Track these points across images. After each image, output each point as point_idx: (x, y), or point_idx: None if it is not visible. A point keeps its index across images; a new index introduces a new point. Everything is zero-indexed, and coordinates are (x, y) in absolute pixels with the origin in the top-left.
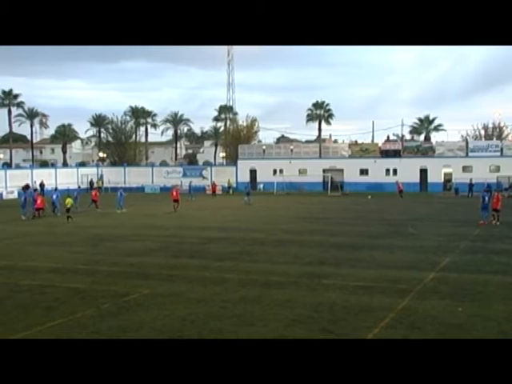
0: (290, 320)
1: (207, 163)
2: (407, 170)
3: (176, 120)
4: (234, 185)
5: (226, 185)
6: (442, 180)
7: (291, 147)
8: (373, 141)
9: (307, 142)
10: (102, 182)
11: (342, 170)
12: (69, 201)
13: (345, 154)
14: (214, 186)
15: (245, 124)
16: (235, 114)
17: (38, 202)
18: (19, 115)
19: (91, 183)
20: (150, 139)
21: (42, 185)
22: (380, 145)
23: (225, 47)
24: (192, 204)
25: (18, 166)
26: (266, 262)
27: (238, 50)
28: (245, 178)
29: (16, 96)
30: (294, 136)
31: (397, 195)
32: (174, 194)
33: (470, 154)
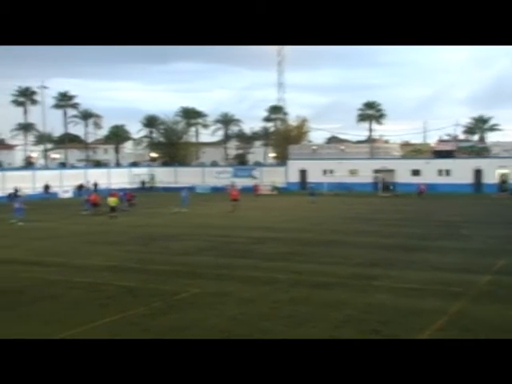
0: (340, 321)
1: (257, 163)
2: (461, 171)
3: (226, 120)
4: (280, 185)
5: (272, 185)
6: (497, 181)
7: (342, 147)
8: (425, 141)
9: (358, 142)
10: (154, 182)
11: (393, 171)
12: (112, 200)
13: (396, 155)
14: (256, 187)
15: (295, 124)
16: (285, 114)
17: (92, 198)
18: (74, 116)
19: (143, 183)
20: (200, 139)
21: (95, 184)
22: (433, 145)
23: (275, 47)
24: (241, 204)
25: (72, 166)
26: (315, 263)
27: (289, 50)
28: (295, 178)
29: (72, 97)
30: (345, 136)
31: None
32: (234, 193)
33: None
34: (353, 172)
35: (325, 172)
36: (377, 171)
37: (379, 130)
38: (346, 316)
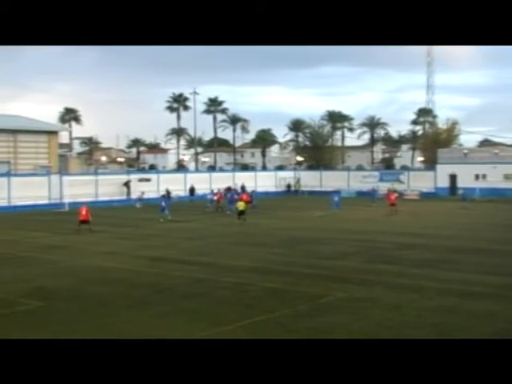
0: (490, 334)
1: (404, 167)
2: None
3: (373, 124)
4: (426, 190)
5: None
6: None
7: (495, 151)
8: None
9: None
10: (300, 185)
11: None
12: (241, 204)
13: None
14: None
15: (445, 127)
16: (434, 116)
17: (244, 198)
18: (223, 121)
19: (288, 186)
20: (346, 143)
21: (242, 187)
22: None
23: (424, 48)
24: (386, 209)
25: (221, 169)
26: (464, 271)
27: (439, 50)
28: (444, 183)
29: (221, 103)
30: (499, 139)
31: None
32: (392, 198)
33: None
34: (508, 177)
35: (477, 177)
36: None
37: None
38: (498, 329)
